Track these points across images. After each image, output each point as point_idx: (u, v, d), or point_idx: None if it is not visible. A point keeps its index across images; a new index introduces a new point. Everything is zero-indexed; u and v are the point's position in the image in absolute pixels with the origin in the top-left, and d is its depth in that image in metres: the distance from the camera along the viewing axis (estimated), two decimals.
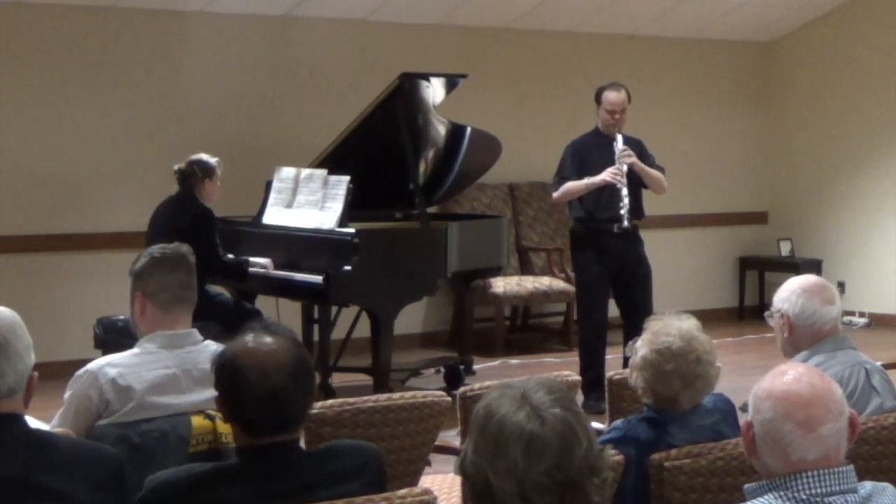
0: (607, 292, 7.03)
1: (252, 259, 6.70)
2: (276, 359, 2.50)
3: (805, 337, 3.56)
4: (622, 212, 6.73)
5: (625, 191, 6.72)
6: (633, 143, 6.90)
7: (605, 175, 6.72)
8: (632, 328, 6.69)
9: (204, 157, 6.57)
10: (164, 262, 3.41)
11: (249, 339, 2.55)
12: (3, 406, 2.47)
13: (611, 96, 6.84)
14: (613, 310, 7.15)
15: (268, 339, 2.54)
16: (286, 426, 2.52)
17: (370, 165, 7.03)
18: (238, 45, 8.52)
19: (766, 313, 3.67)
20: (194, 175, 6.49)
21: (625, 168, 6.74)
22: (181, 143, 7.77)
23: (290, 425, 2.53)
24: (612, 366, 6.74)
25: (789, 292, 3.60)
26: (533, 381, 1.98)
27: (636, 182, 6.86)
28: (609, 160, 6.78)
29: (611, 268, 6.89)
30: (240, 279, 6.71)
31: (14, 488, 2.41)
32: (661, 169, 6.99)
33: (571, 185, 6.83)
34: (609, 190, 6.77)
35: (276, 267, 6.74)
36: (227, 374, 2.53)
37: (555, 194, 6.98)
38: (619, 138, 6.83)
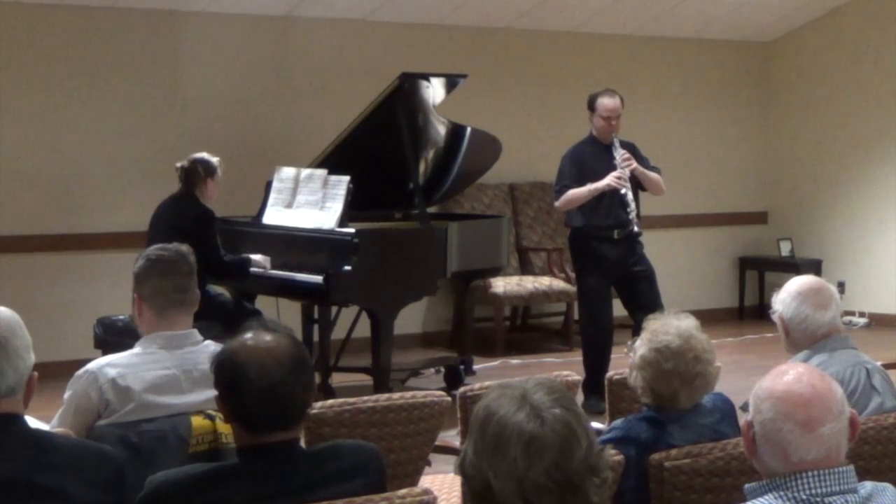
0: (609, 299, 7.00)
1: (252, 257, 6.69)
2: (276, 355, 2.51)
3: (801, 339, 3.60)
4: (630, 217, 6.71)
5: (630, 196, 6.72)
6: (627, 147, 6.89)
7: (610, 180, 6.71)
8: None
9: (206, 155, 6.55)
10: (159, 265, 3.41)
11: (248, 336, 2.56)
12: (3, 406, 2.47)
13: (607, 103, 6.81)
14: (616, 311, 7.14)
15: (266, 337, 2.55)
16: (287, 422, 2.52)
17: (370, 165, 7.03)
18: (238, 45, 8.52)
19: (770, 311, 3.70)
20: (196, 173, 6.47)
21: (627, 173, 6.73)
22: (181, 143, 7.77)
23: (292, 421, 2.53)
24: (618, 366, 6.71)
25: (785, 294, 3.63)
26: (533, 381, 1.98)
27: (635, 186, 6.85)
28: (607, 166, 6.77)
29: (613, 274, 6.87)
30: (241, 278, 6.70)
31: (14, 489, 2.40)
32: (656, 170, 6.98)
33: (575, 193, 6.80)
34: (609, 196, 6.76)
35: (277, 267, 6.73)
36: (226, 371, 2.54)
37: (557, 203, 6.93)
38: (617, 143, 6.82)
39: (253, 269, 6.65)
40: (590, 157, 6.86)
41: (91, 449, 2.63)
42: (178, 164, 6.54)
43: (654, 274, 6.94)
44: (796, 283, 3.64)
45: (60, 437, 2.71)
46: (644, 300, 6.71)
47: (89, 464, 2.53)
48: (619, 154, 6.77)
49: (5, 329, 2.49)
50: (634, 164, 6.78)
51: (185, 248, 3.51)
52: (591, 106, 6.86)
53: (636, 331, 6.64)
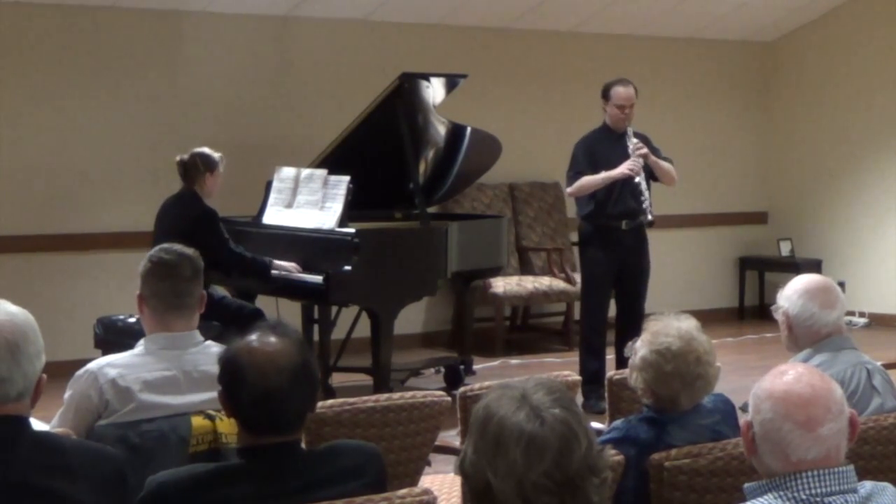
0: (611, 291, 7.04)
1: (277, 262, 6.60)
2: (277, 361, 2.50)
3: (803, 337, 3.59)
4: (644, 206, 6.75)
5: (644, 184, 6.75)
6: (640, 138, 6.90)
7: (624, 168, 6.72)
8: (625, 323, 6.72)
9: (207, 150, 6.49)
10: (159, 268, 3.41)
11: (254, 338, 2.55)
12: (10, 409, 2.47)
13: (620, 91, 6.83)
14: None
15: (272, 340, 2.54)
16: (282, 429, 2.52)
17: (370, 165, 7.03)
18: (238, 45, 8.52)
19: (773, 307, 3.70)
20: (196, 168, 6.42)
21: (641, 162, 6.75)
22: (181, 143, 7.73)
23: (285, 428, 2.53)
24: (608, 365, 6.75)
25: (792, 291, 3.61)
26: (533, 381, 1.98)
27: (647, 176, 6.88)
28: (620, 155, 6.78)
29: (616, 265, 6.90)
30: (262, 279, 6.59)
31: (19, 490, 2.40)
32: (668, 160, 7.00)
33: (588, 180, 6.80)
34: (619, 186, 6.78)
35: (275, 266, 6.69)
36: (228, 371, 2.54)
37: (569, 189, 6.95)
38: (631, 132, 6.83)
39: (276, 273, 6.57)
40: (602, 146, 6.87)
41: (94, 450, 2.63)
42: (178, 158, 6.48)
43: (649, 272, 7.03)
44: (803, 281, 3.64)
45: (64, 439, 2.71)
46: (635, 297, 6.92)
47: (92, 465, 2.52)
48: (633, 143, 6.78)
49: (18, 335, 2.48)
50: (647, 152, 6.79)
51: (191, 251, 3.50)
52: (606, 95, 6.88)
53: (620, 324, 6.78)
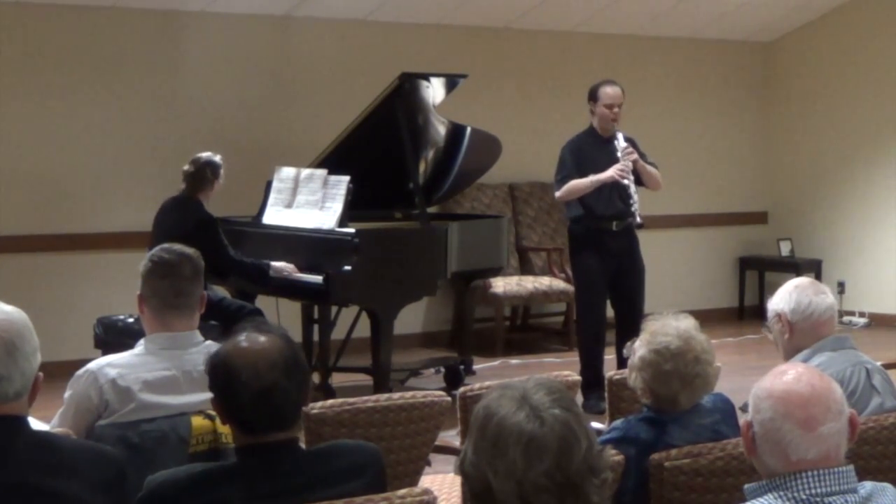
0: (606, 292, 7.04)
1: (274, 264, 6.62)
2: (269, 357, 2.51)
3: (805, 331, 3.56)
4: (633, 208, 6.74)
5: (633, 187, 6.74)
6: (628, 142, 6.89)
7: (613, 172, 6.72)
8: (625, 324, 6.72)
9: (209, 155, 6.48)
10: (160, 267, 3.41)
11: (241, 338, 2.56)
12: (8, 408, 2.47)
13: (609, 91, 6.83)
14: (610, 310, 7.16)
15: (259, 338, 2.55)
16: (282, 423, 2.52)
17: (370, 165, 7.03)
18: (238, 45, 8.52)
19: (764, 328, 3.68)
20: (205, 178, 6.42)
21: (630, 165, 6.75)
22: (181, 143, 7.77)
23: (287, 422, 2.53)
24: (608, 366, 6.75)
25: (782, 293, 3.64)
26: (533, 381, 1.98)
27: (635, 180, 6.87)
28: (607, 158, 6.78)
29: (609, 266, 6.90)
30: (260, 282, 6.62)
31: (17, 491, 2.40)
32: (654, 166, 7.00)
33: (576, 183, 6.80)
34: (608, 188, 6.78)
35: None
36: (220, 374, 2.54)
37: (558, 193, 6.94)
38: (620, 136, 6.83)
39: (275, 275, 6.58)
40: (590, 149, 6.86)
41: (93, 450, 2.63)
42: (186, 169, 6.47)
43: (644, 271, 7.00)
44: (790, 282, 3.68)
45: (63, 439, 2.71)
46: (632, 297, 6.90)
47: (92, 465, 2.52)
48: (622, 146, 6.78)
49: (14, 334, 2.48)
50: (636, 157, 6.79)
51: (192, 250, 3.51)
52: (593, 96, 6.87)
53: (620, 326, 6.78)
